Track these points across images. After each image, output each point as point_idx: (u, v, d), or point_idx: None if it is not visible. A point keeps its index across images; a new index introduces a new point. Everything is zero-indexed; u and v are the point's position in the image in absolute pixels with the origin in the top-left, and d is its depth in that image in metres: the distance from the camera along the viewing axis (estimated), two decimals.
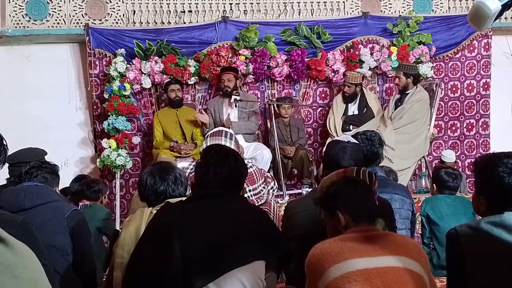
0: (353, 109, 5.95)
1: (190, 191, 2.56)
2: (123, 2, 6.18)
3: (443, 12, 6.55)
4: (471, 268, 1.88)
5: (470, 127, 6.49)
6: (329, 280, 1.79)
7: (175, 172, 2.54)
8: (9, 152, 2.20)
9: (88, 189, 4.38)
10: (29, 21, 6.07)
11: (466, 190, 5.89)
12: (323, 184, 2.24)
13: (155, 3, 6.22)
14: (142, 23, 6.20)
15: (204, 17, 6.26)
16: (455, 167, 5.77)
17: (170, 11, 6.24)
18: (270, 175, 4.32)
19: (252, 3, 6.34)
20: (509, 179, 1.92)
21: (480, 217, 2.05)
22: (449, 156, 6.05)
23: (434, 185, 4.28)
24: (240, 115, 5.77)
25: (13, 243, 1.01)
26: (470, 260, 1.88)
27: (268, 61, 6.01)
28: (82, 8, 6.12)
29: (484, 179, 2.00)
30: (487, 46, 6.40)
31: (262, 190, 3.79)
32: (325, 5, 6.42)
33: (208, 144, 3.39)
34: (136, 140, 5.98)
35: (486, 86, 6.43)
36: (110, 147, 5.75)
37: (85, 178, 4.74)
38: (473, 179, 6.38)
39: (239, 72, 5.85)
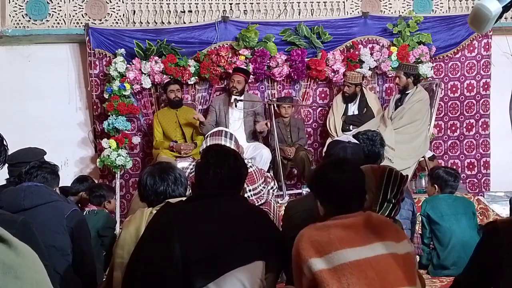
0: (353, 109, 5.95)
1: (190, 191, 2.56)
2: (123, 2, 6.18)
3: (443, 12, 6.55)
4: (507, 270, 1.78)
5: (470, 127, 6.48)
6: (319, 268, 1.78)
7: (175, 172, 2.54)
8: (9, 153, 2.20)
9: (90, 194, 4.39)
10: (29, 21, 6.07)
11: (466, 190, 5.89)
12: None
13: (155, 3, 6.21)
14: (142, 23, 6.20)
15: (204, 17, 6.26)
16: (437, 163, 5.81)
17: (170, 11, 6.24)
18: (270, 175, 4.32)
19: (252, 3, 6.34)
20: None
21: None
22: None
23: (436, 185, 4.26)
24: (243, 116, 5.80)
25: (16, 244, 1.01)
26: (509, 260, 1.79)
27: (268, 61, 6.01)
28: (82, 8, 6.12)
29: None
30: (487, 46, 6.40)
31: (262, 190, 3.79)
32: (325, 5, 6.42)
33: (208, 144, 3.39)
34: (136, 140, 5.98)
35: (486, 86, 6.43)
36: (110, 147, 5.75)
37: (86, 179, 4.73)
38: (474, 179, 6.36)
39: (250, 74, 5.87)
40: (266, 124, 5.58)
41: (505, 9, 1.90)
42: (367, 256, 1.81)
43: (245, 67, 5.94)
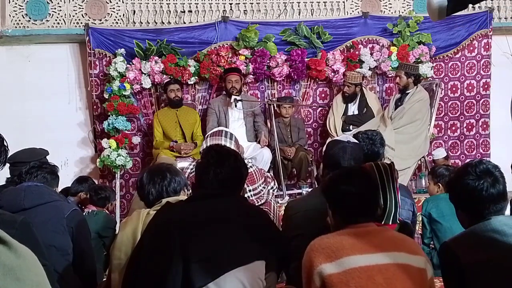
0: (353, 109, 5.95)
1: (190, 191, 2.56)
2: (123, 2, 6.18)
3: None
4: (471, 278, 1.88)
5: (470, 127, 6.49)
6: (329, 273, 1.81)
7: (171, 173, 2.53)
8: (9, 153, 2.20)
9: (95, 195, 4.40)
10: (29, 21, 6.07)
11: None
12: None
13: (155, 3, 6.21)
14: (142, 23, 6.20)
15: (204, 17, 6.26)
16: (449, 163, 5.79)
17: (170, 11, 6.24)
18: (270, 175, 4.32)
19: (252, 3, 6.34)
20: (479, 185, 1.94)
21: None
22: (438, 153, 6.06)
23: (439, 184, 4.23)
24: (243, 115, 5.80)
25: (16, 246, 1.02)
26: (469, 269, 1.88)
27: (268, 61, 6.01)
28: (82, 8, 6.12)
29: (458, 192, 2.02)
30: (487, 46, 6.40)
31: (262, 190, 3.79)
32: (325, 5, 6.42)
33: (208, 144, 3.39)
34: (136, 140, 5.98)
35: (486, 86, 6.44)
36: (110, 147, 5.75)
37: (86, 180, 4.73)
38: None
39: (241, 72, 5.88)
40: (269, 138, 5.69)
41: (457, 2, 2.05)
42: (377, 263, 1.84)
43: (245, 67, 5.94)
